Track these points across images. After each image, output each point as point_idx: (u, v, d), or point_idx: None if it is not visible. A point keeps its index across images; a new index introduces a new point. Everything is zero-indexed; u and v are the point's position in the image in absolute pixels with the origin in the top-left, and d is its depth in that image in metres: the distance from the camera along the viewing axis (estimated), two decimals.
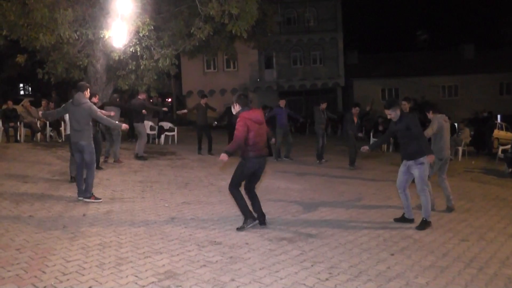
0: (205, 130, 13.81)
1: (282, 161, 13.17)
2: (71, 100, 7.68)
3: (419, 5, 56.90)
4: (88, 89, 7.78)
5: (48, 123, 15.58)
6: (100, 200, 7.47)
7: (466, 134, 17.24)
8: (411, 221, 6.59)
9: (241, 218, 6.24)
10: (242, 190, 6.14)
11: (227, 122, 14.21)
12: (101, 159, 10.61)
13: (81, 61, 13.74)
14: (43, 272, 4.36)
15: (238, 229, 5.98)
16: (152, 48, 14.12)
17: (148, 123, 14.83)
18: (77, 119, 7.43)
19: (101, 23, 12.96)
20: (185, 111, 15.41)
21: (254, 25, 15.39)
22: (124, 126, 7.99)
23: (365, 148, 7.01)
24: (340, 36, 34.87)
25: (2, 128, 15.13)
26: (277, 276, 4.38)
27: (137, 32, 13.18)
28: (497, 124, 22.80)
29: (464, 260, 5.01)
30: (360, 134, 12.71)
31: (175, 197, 8.01)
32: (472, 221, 6.96)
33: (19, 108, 16.77)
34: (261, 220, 6.20)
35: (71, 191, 8.00)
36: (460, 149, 16.50)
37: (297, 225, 6.35)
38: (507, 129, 23.71)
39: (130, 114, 13.14)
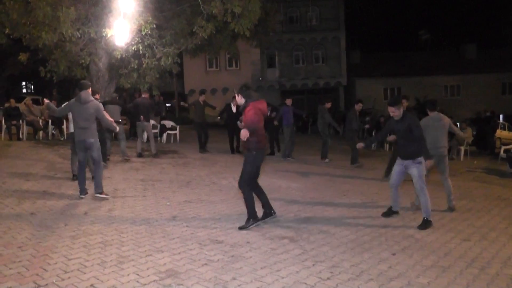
0: (203, 128, 13.84)
1: (287, 161, 13.13)
2: (74, 98, 7.71)
3: (422, 4, 57.00)
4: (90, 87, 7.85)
5: (50, 121, 15.62)
6: (108, 196, 7.54)
7: (468, 134, 17.21)
8: (397, 212, 6.94)
9: (242, 217, 6.25)
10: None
11: (226, 120, 14.16)
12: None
13: (83, 60, 13.74)
14: (45, 270, 4.37)
15: (241, 228, 5.98)
16: (154, 47, 14.11)
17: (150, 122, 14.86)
18: (85, 117, 7.46)
19: (104, 22, 12.97)
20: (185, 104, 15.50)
21: (257, 24, 15.39)
22: (117, 129, 8.28)
23: (360, 145, 7.04)
24: (342, 35, 34.86)
25: (5, 126, 15.17)
26: (279, 275, 4.37)
27: (140, 30, 13.17)
28: (499, 124, 22.75)
29: (466, 260, 5.00)
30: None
31: (177, 196, 8.01)
32: (474, 221, 6.94)
33: (21, 106, 16.81)
34: (269, 212, 6.31)
35: (73, 189, 8.01)
36: (462, 148, 16.47)
37: (298, 224, 6.34)
38: (509, 129, 23.65)
39: (134, 113, 13.16)
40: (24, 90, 40.35)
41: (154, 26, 13.39)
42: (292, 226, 6.22)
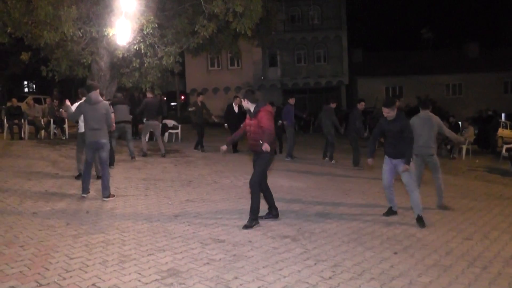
0: (202, 128, 13.89)
1: (291, 160, 13.10)
2: (84, 100, 7.73)
3: (424, 3, 56.87)
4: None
5: (52, 120, 15.64)
6: (114, 196, 7.55)
7: (470, 133, 17.19)
8: (396, 212, 6.96)
9: (244, 216, 6.26)
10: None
11: (228, 119, 14.07)
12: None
13: (85, 59, 13.75)
14: (47, 269, 4.37)
15: (245, 227, 5.97)
16: (156, 46, 14.12)
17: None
18: (97, 118, 7.46)
19: (105, 21, 12.99)
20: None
21: (258, 23, 15.35)
22: (113, 128, 8.33)
23: (371, 161, 7.01)
24: (344, 34, 34.80)
25: (7, 125, 15.21)
26: (280, 274, 4.37)
27: (141, 29, 13.18)
28: (501, 123, 22.72)
29: (468, 259, 5.00)
30: (365, 134, 12.53)
31: (179, 195, 8.02)
32: (475, 220, 6.93)
33: (23, 106, 16.85)
34: (274, 213, 6.40)
35: (74, 188, 8.03)
36: (464, 147, 16.45)
37: (300, 223, 6.34)
38: (511, 128, 23.63)
39: (145, 113, 13.21)
40: (26, 90, 40.44)
41: (156, 25, 13.39)
42: (294, 225, 6.22)
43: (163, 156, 12.29)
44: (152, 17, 13.03)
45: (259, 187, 6.14)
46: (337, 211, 7.18)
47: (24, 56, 13.59)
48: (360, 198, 8.32)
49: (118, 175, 9.54)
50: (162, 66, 14.23)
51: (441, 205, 7.57)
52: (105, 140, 7.52)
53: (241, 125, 6.59)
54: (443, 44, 44.06)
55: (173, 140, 16.66)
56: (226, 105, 15.03)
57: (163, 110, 17.73)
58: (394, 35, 49.45)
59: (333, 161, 13.02)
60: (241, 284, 4.13)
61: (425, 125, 7.35)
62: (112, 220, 6.18)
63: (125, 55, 13.90)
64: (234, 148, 13.88)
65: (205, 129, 14.64)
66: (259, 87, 34.31)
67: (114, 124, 8.29)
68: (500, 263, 4.91)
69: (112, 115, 8.13)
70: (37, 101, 20.80)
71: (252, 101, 6.14)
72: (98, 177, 7.67)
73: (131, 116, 11.85)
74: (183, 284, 4.10)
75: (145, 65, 14.11)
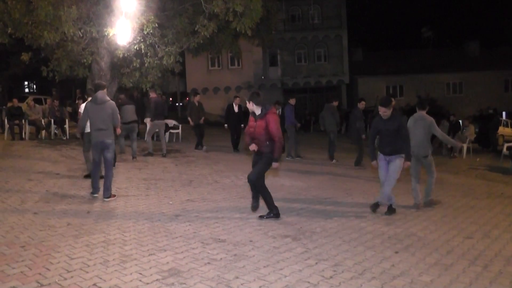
0: (200, 128, 13.89)
1: (293, 160, 13.10)
2: (89, 99, 7.70)
3: (424, 2, 56.84)
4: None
5: (52, 120, 15.65)
6: (115, 197, 7.53)
7: (471, 131, 17.18)
8: (394, 210, 7.05)
9: (245, 216, 6.30)
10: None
11: (228, 119, 14.05)
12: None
13: (85, 59, 13.74)
14: (47, 269, 4.37)
15: (261, 216, 6.30)
16: (156, 46, 14.11)
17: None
18: (103, 117, 7.42)
19: (105, 21, 12.97)
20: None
21: (259, 23, 15.33)
22: (118, 130, 8.27)
23: (374, 163, 7.15)
24: (344, 33, 34.82)
25: (7, 125, 15.22)
26: (281, 274, 4.37)
27: (141, 29, 13.16)
28: (502, 121, 22.72)
29: (469, 258, 4.99)
30: (363, 136, 12.38)
31: (179, 195, 8.01)
32: (476, 218, 6.93)
33: (24, 106, 16.85)
34: (275, 213, 6.46)
35: (75, 188, 8.03)
36: (465, 146, 16.44)
37: (301, 222, 6.34)
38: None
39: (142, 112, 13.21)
40: (27, 90, 40.46)
41: (156, 25, 13.38)
42: (295, 224, 6.22)
43: (164, 156, 12.29)
44: (152, 17, 13.02)
45: (261, 181, 6.28)
46: (338, 211, 7.18)
47: (25, 57, 13.59)
48: (361, 197, 8.32)
49: (119, 175, 9.53)
50: (162, 66, 14.22)
51: (427, 201, 7.61)
52: (110, 141, 7.47)
53: (244, 130, 6.67)
54: (443, 43, 44.11)
55: (174, 140, 16.66)
56: (226, 105, 15.03)
57: (165, 110, 17.78)
58: (394, 34, 49.51)
59: (334, 161, 13.02)
60: (242, 284, 4.12)
61: (419, 125, 7.40)
62: (113, 220, 6.18)
63: (126, 55, 13.90)
64: (235, 147, 13.88)
65: (205, 129, 14.61)
66: (260, 86, 34.32)
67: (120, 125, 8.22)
68: (501, 262, 4.91)
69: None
70: (38, 101, 20.79)
71: (257, 104, 6.20)
72: (101, 177, 7.65)
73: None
74: (184, 284, 4.10)
75: (146, 65, 14.11)
